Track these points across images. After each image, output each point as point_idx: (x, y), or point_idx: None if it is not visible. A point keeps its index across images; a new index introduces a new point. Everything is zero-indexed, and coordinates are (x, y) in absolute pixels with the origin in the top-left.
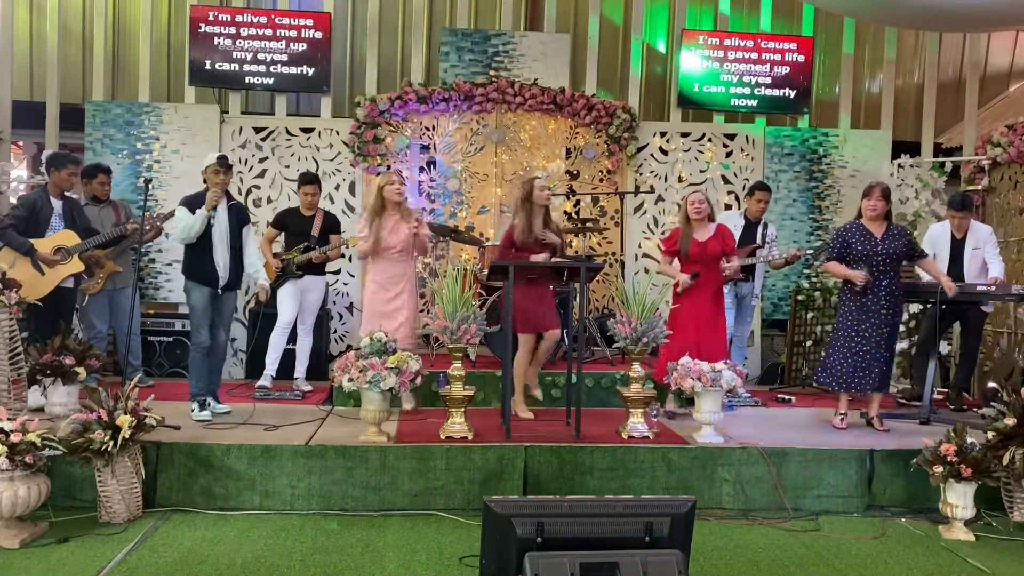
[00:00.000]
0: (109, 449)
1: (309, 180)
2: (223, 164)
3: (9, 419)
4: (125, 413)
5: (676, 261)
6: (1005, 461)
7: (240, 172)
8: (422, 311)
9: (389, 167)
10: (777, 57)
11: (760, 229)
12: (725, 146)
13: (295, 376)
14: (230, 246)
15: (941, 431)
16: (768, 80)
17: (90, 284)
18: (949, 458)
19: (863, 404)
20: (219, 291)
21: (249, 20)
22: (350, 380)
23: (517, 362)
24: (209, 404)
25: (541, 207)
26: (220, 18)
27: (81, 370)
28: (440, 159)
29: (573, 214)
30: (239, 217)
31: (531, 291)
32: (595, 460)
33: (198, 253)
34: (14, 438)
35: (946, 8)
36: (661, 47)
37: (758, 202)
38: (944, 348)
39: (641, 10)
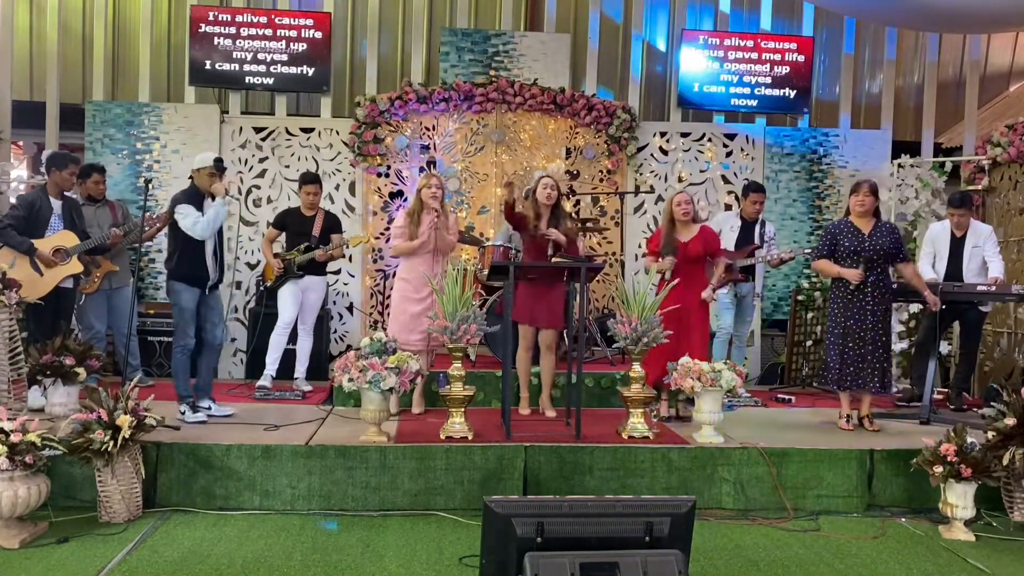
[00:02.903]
0: (109, 449)
1: (311, 180)
2: (220, 168)
3: (9, 419)
4: (125, 413)
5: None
6: (1005, 461)
7: (240, 172)
8: None
9: (389, 167)
10: (777, 57)
11: (758, 228)
12: (725, 146)
13: (295, 376)
14: (216, 245)
15: (941, 431)
16: (768, 80)
17: (87, 283)
18: (949, 458)
19: (860, 404)
20: (206, 291)
21: (249, 20)
22: (350, 380)
23: (517, 358)
24: (208, 406)
25: (545, 205)
26: (220, 18)
27: (81, 370)
28: (440, 159)
29: (573, 214)
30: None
31: (536, 289)
32: (595, 460)
33: (191, 254)
34: (14, 438)
35: (946, 8)
36: (661, 45)
37: (753, 203)
38: (944, 348)
39: (641, 9)
